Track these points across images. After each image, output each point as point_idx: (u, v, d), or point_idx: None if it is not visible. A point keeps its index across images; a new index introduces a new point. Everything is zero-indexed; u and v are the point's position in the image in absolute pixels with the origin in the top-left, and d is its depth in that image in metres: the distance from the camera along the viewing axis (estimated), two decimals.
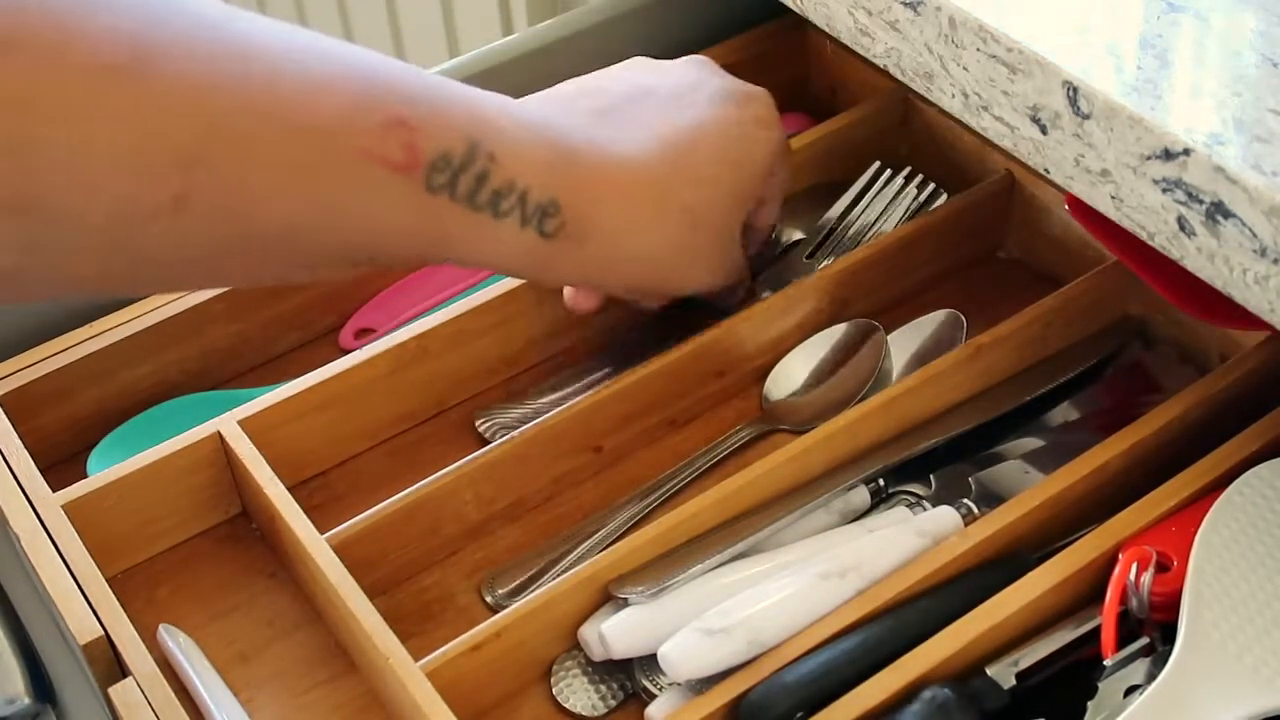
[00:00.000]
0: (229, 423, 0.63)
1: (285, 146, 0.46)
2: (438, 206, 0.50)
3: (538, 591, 0.58)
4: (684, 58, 0.65)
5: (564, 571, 0.61)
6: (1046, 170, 0.55)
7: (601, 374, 0.69)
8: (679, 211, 0.58)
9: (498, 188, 0.51)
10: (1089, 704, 0.52)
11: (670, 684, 0.57)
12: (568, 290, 0.66)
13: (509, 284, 0.69)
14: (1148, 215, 0.51)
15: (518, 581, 0.62)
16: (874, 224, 0.73)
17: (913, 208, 0.74)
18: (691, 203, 0.59)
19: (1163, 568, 0.54)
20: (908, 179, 0.75)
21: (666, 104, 0.60)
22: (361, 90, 0.47)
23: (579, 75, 0.62)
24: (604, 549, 0.61)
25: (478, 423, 0.68)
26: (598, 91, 0.60)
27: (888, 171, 0.75)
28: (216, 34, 0.44)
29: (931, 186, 0.75)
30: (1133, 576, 0.54)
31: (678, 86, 0.61)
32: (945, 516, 0.59)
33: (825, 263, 0.71)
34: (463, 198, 0.50)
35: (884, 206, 0.74)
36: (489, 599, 0.62)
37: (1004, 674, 0.53)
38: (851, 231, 0.73)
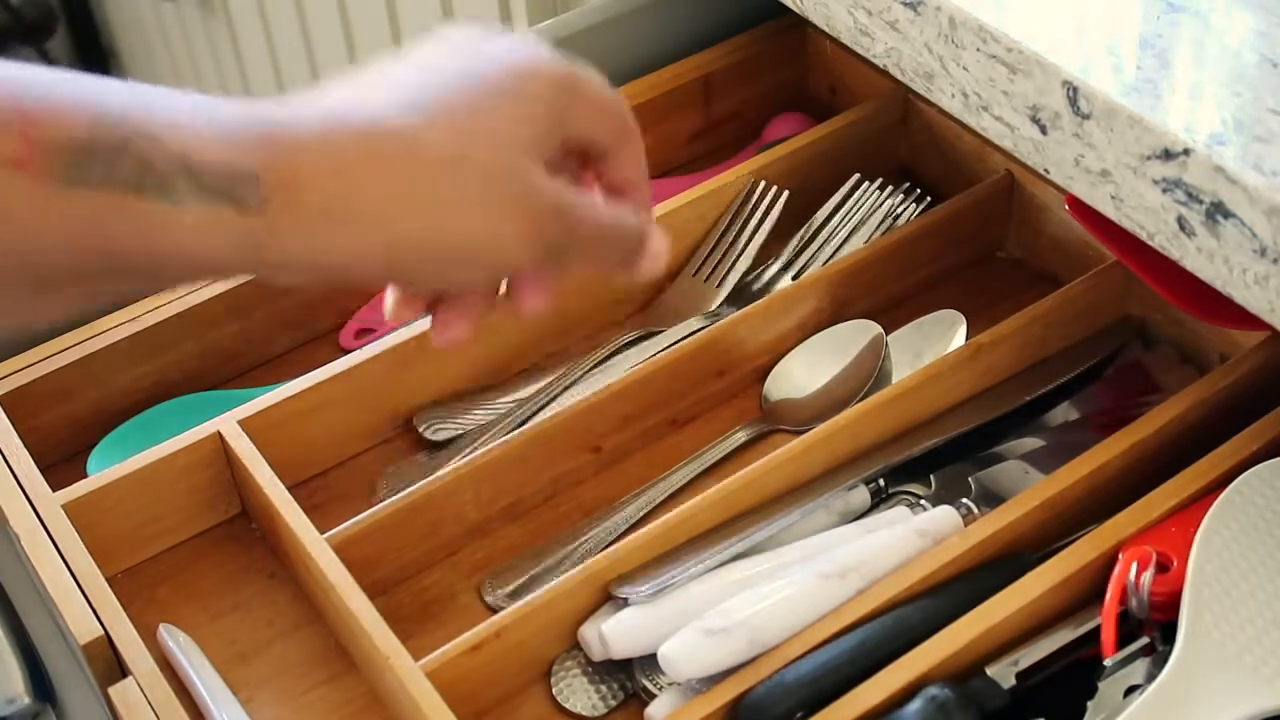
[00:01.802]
0: (229, 423, 0.63)
1: None
2: (88, 203, 0.42)
3: (538, 591, 0.58)
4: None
5: (563, 571, 0.61)
6: (1046, 170, 0.55)
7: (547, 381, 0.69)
8: (435, 162, 0.48)
9: (167, 168, 0.43)
10: (1089, 704, 0.52)
11: (670, 684, 0.57)
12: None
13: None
14: (1148, 215, 0.51)
15: (518, 582, 0.62)
16: (848, 238, 0.74)
17: (890, 219, 0.74)
18: (450, 149, 0.48)
19: (1163, 568, 0.54)
20: (884, 189, 0.75)
21: (415, 62, 0.51)
22: None
23: None
24: (604, 549, 0.61)
25: (420, 426, 0.68)
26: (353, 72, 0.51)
27: (865, 184, 0.75)
28: None
29: (916, 194, 0.75)
30: (1133, 576, 0.54)
31: (435, 48, 0.52)
32: (945, 516, 0.59)
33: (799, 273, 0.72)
34: (121, 185, 0.42)
35: (860, 219, 0.74)
36: (489, 599, 0.62)
37: (1004, 674, 0.53)
38: (826, 244, 0.74)
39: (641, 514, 0.64)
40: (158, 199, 0.43)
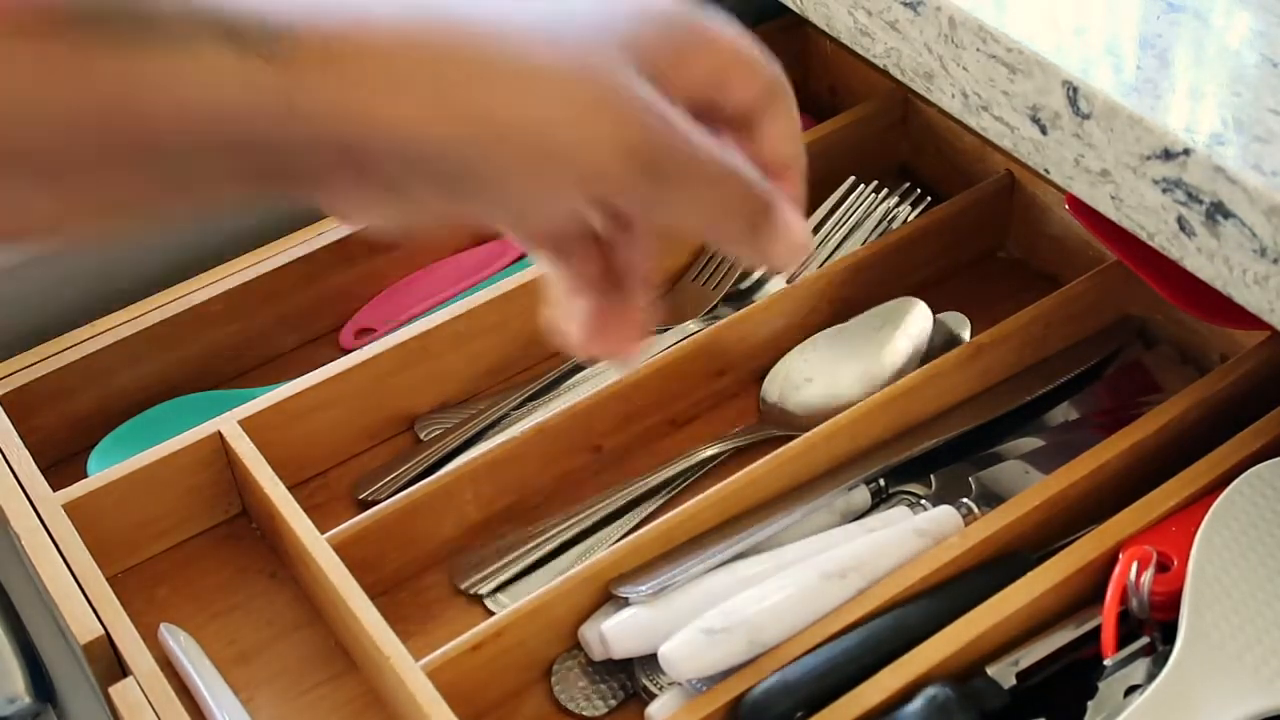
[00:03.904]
0: (229, 423, 0.63)
1: None
2: (98, 63, 0.35)
3: (538, 591, 0.58)
4: None
5: (539, 557, 0.61)
6: (1046, 170, 0.55)
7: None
8: (519, 35, 0.40)
9: (183, 9, 0.36)
10: (1089, 704, 0.52)
11: (670, 684, 0.57)
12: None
13: (509, 284, 0.69)
14: (1148, 215, 0.51)
15: (489, 569, 0.62)
16: (844, 241, 0.74)
17: (887, 221, 0.74)
18: (540, 33, 0.40)
19: (1163, 568, 0.54)
20: (879, 190, 0.75)
21: None
22: None
23: None
24: (592, 551, 0.61)
25: (421, 433, 0.69)
26: None
27: (861, 186, 0.75)
28: None
29: (914, 196, 0.75)
30: (1133, 576, 0.54)
31: None
32: (945, 516, 0.59)
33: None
34: (128, 35, 0.35)
35: (856, 221, 0.74)
36: (461, 585, 0.62)
37: (1004, 674, 0.53)
38: (823, 246, 0.74)
39: (641, 515, 0.64)
40: (172, 45, 0.36)
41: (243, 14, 0.36)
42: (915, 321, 0.67)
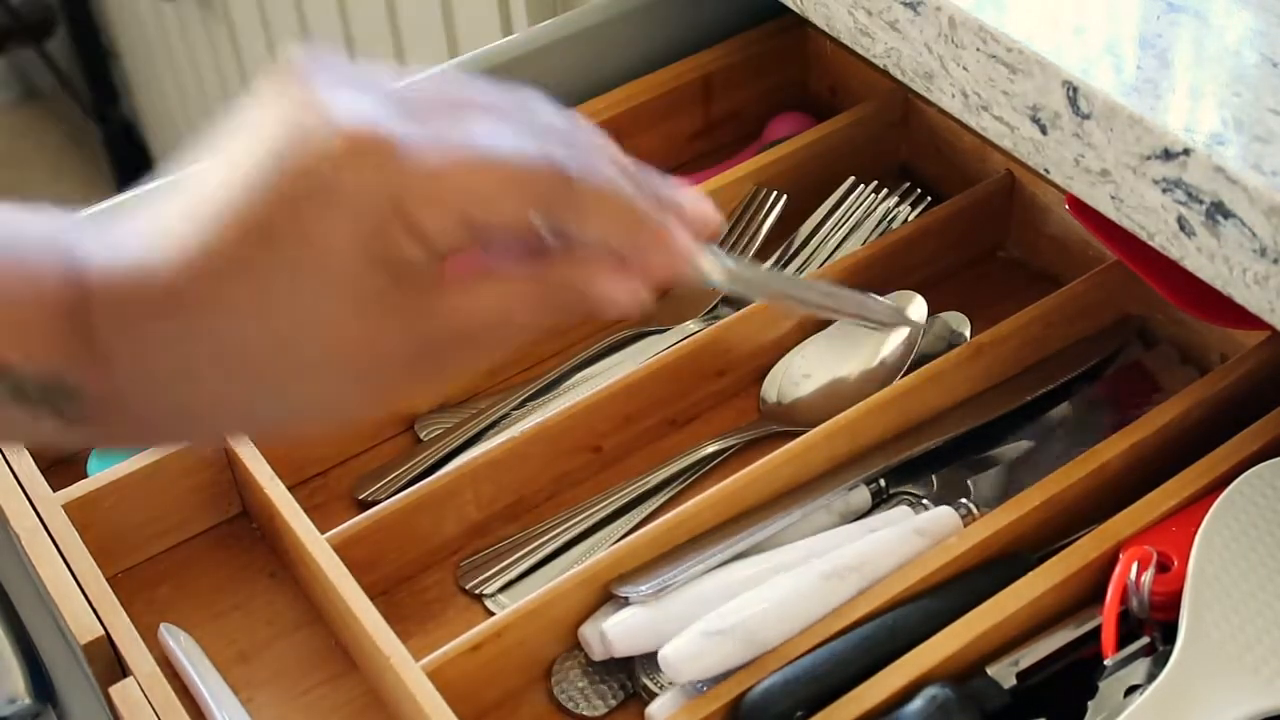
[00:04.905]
0: None
1: None
2: None
3: (538, 591, 0.58)
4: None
5: (543, 556, 0.61)
6: (1046, 170, 0.55)
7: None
8: (248, 344, 0.39)
9: None
10: (1089, 704, 0.52)
11: (670, 683, 0.57)
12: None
13: None
14: (1148, 215, 0.51)
15: (495, 569, 0.62)
16: (843, 242, 0.74)
17: (886, 221, 0.74)
18: (261, 326, 0.39)
19: (1163, 568, 0.54)
20: (878, 191, 0.75)
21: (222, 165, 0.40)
22: None
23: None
24: (592, 551, 0.61)
25: (421, 433, 0.68)
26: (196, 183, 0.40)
27: (860, 187, 0.75)
28: None
29: (913, 196, 0.75)
30: (1133, 576, 0.54)
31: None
32: (945, 516, 0.59)
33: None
34: None
35: (855, 222, 0.74)
36: (466, 586, 0.62)
37: (1004, 674, 0.53)
38: (819, 248, 0.74)
39: (641, 515, 0.64)
40: None
41: (35, 373, 0.38)
42: (911, 313, 0.67)
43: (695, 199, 0.43)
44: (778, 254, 0.74)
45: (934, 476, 0.63)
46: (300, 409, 0.41)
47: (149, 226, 0.39)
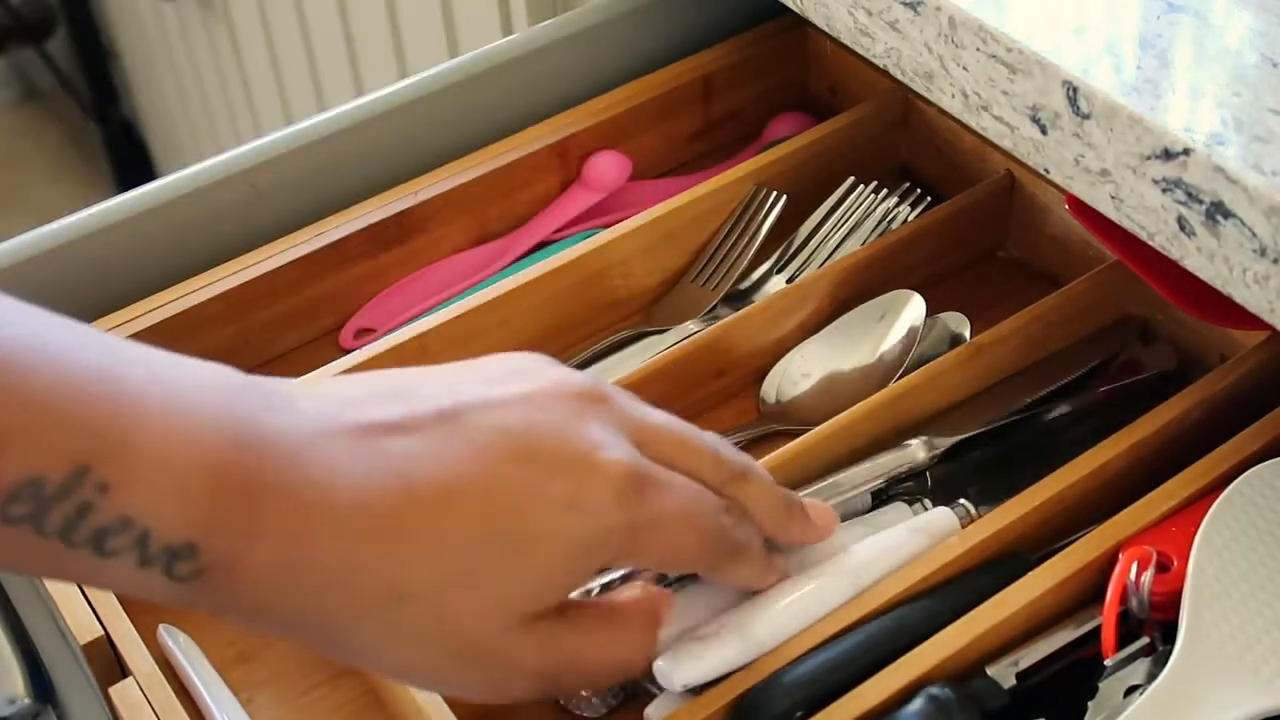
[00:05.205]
0: None
1: None
2: (21, 540, 0.39)
3: None
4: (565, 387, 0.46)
5: None
6: (1046, 170, 0.55)
7: None
8: (384, 595, 0.42)
9: (103, 525, 0.39)
10: (1089, 704, 0.52)
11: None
12: None
13: (509, 284, 0.69)
14: (1148, 215, 0.51)
15: None
16: (843, 242, 0.74)
17: (886, 222, 0.74)
18: (407, 587, 0.42)
19: (1163, 568, 0.54)
20: (878, 191, 0.75)
21: (439, 434, 0.43)
22: None
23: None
24: None
25: None
26: (393, 396, 0.44)
27: (860, 187, 0.75)
28: None
29: (913, 196, 0.75)
30: (1133, 576, 0.54)
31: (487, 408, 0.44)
32: (944, 517, 0.59)
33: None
34: (54, 533, 0.38)
35: (855, 223, 0.74)
36: None
37: (1004, 674, 0.53)
38: (818, 249, 0.74)
39: None
40: (87, 550, 0.39)
41: (164, 535, 0.40)
42: (909, 311, 0.67)
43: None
44: (777, 254, 0.74)
45: (933, 477, 0.63)
46: (412, 669, 0.45)
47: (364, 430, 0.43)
